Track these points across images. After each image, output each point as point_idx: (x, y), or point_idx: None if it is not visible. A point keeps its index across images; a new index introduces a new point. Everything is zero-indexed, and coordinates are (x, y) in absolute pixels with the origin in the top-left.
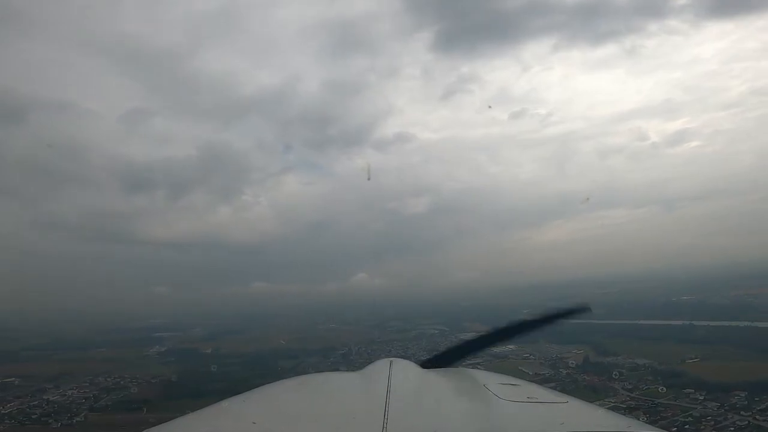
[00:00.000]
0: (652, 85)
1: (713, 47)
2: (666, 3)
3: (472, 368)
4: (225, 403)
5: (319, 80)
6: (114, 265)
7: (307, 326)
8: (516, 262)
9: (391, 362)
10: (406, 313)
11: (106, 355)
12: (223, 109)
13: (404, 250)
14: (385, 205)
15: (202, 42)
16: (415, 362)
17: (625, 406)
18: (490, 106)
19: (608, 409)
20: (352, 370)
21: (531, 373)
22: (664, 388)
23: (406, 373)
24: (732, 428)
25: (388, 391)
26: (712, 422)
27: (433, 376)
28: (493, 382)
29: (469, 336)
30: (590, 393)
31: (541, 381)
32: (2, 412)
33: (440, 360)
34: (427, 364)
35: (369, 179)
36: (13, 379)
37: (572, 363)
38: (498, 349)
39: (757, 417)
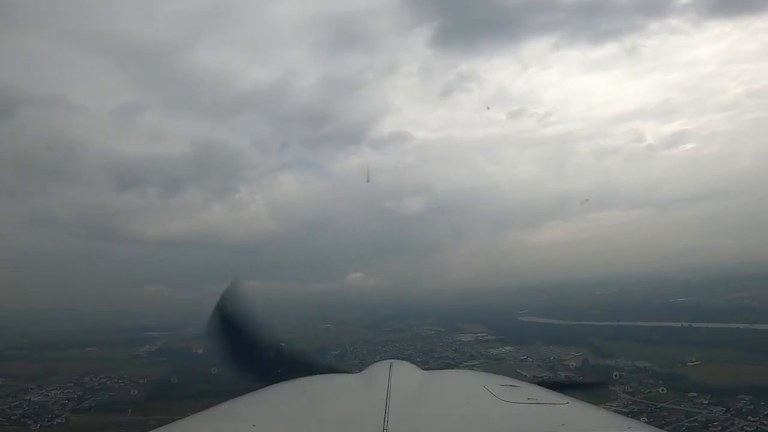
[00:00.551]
0: (650, 86)
1: (711, 49)
2: (669, 2)
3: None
4: (225, 406)
5: (316, 77)
6: (106, 263)
7: (301, 326)
8: (513, 263)
9: (391, 364)
10: (402, 314)
11: (94, 355)
12: (217, 105)
13: (400, 250)
14: (382, 204)
15: (197, 37)
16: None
17: (627, 410)
18: (488, 107)
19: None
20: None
21: (529, 376)
22: (664, 389)
23: (406, 374)
24: None
25: (388, 393)
26: (720, 427)
27: (434, 377)
28: (493, 383)
29: (465, 337)
30: (591, 397)
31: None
32: None
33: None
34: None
35: (368, 181)
36: None
37: (573, 364)
38: (495, 351)
39: (765, 423)
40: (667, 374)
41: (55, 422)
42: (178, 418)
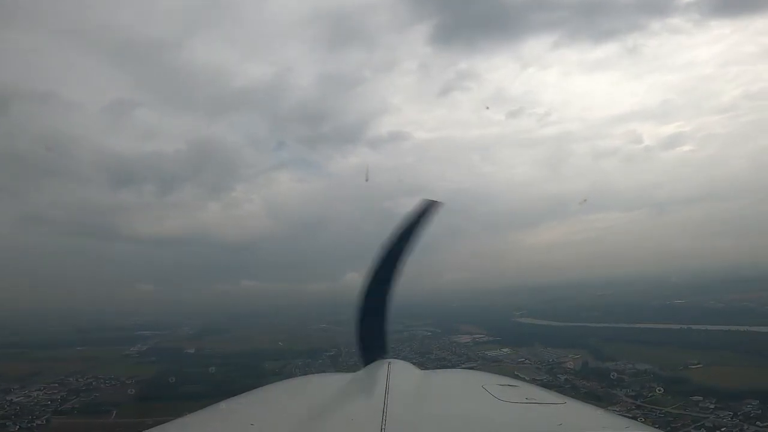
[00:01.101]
0: (648, 87)
1: (710, 50)
2: (672, 1)
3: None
4: (223, 405)
5: (313, 74)
6: (99, 261)
7: (296, 326)
8: (509, 264)
9: (389, 363)
10: (398, 314)
11: (83, 354)
12: (213, 102)
13: None
14: (379, 204)
15: (192, 32)
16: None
17: (630, 415)
18: (487, 107)
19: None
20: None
21: (528, 379)
22: (661, 388)
23: (404, 374)
24: None
25: (386, 393)
26: None
27: (432, 377)
28: (491, 383)
29: (463, 338)
30: (592, 400)
31: None
32: None
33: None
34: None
35: (367, 180)
36: None
37: (570, 365)
38: (492, 353)
39: None
40: (669, 377)
41: (35, 424)
42: (165, 421)
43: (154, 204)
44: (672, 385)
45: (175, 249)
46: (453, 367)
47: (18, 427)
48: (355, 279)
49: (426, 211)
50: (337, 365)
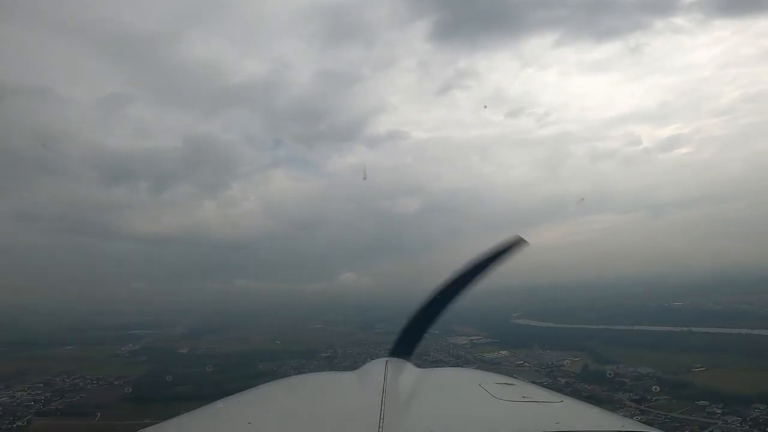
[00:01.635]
0: (648, 88)
1: (710, 52)
2: (676, 0)
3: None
4: (220, 404)
5: (311, 71)
6: (92, 259)
7: (292, 326)
8: (506, 264)
9: (386, 362)
10: (394, 315)
11: (73, 354)
12: (209, 99)
13: (394, 250)
14: (376, 203)
15: (188, 27)
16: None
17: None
18: (485, 106)
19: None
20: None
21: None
22: (658, 387)
23: (401, 372)
24: None
25: (383, 391)
26: None
27: (429, 375)
28: (488, 381)
29: (460, 340)
30: (594, 404)
31: None
32: None
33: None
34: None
35: (365, 179)
36: None
37: (570, 368)
38: (491, 356)
39: None
40: (672, 381)
41: (15, 425)
42: (151, 424)
43: (150, 202)
44: (676, 389)
45: (171, 247)
46: None
47: None
48: (351, 279)
49: (512, 245)
50: (333, 366)
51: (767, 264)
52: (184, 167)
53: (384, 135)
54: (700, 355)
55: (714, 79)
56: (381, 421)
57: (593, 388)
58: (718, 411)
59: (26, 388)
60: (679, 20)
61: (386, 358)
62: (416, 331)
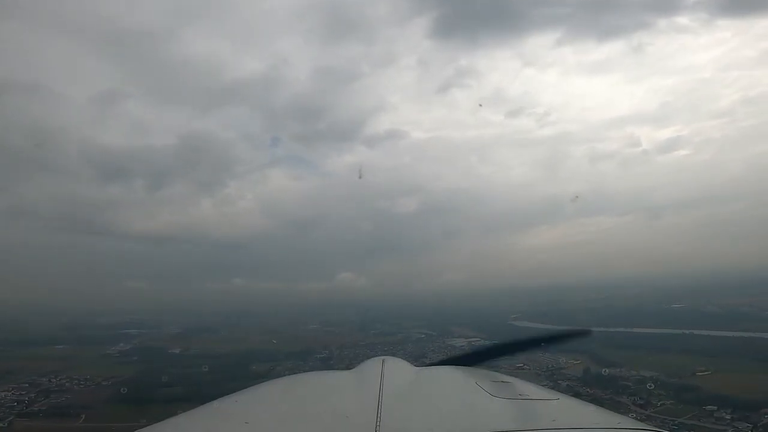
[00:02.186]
0: (649, 89)
1: (710, 54)
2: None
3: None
4: (216, 403)
5: (309, 68)
6: (86, 257)
7: (287, 326)
8: (504, 265)
9: (383, 360)
10: (392, 315)
11: (62, 353)
12: (206, 96)
13: (392, 250)
14: (374, 203)
15: (183, 22)
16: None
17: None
18: (480, 105)
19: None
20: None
21: None
22: (652, 384)
23: (398, 371)
24: None
25: (380, 390)
26: None
27: (426, 374)
28: (485, 379)
29: (458, 341)
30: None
31: None
32: None
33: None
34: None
35: (360, 177)
36: None
37: (568, 369)
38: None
39: None
40: (677, 385)
41: None
42: (138, 426)
43: (145, 199)
44: (681, 393)
45: (166, 246)
46: None
47: None
48: (349, 279)
49: (576, 334)
50: (328, 368)
51: (766, 266)
52: (181, 165)
53: (383, 134)
54: (703, 358)
55: (714, 80)
56: (378, 419)
57: (595, 391)
58: (727, 416)
59: (10, 389)
60: (683, 19)
61: (383, 357)
62: (489, 355)
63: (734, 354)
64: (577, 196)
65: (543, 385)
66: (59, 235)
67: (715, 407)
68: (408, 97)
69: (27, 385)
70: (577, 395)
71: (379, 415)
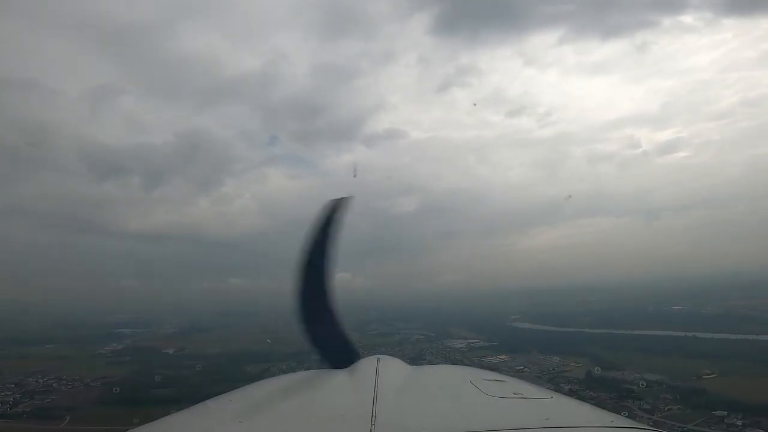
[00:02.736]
0: (649, 90)
1: (711, 55)
2: None
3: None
4: (210, 402)
5: (308, 64)
6: (82, 256)
7: (283, 326)
8: (502, 266)
9: (378, 360)
10: (389, 316)
11: (53, 353)
12: (203, 93)
13: (390, 251)
14: (373, 203)
15: (180, 18)
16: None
17: None
18: (474, 104)
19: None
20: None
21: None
22: (644, 382)
23: (393, 370)
24: None
25: (375, 389)
26: None
27: (420, 373)
28: (479, 378)
29: (456, 343)
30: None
31: None
32: None
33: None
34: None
35: (355, 176)
36: None
37: (570, 372)
38: (489, 360)
39: None
40: (683, 389)
41: None
42: (126, 429)
43: (141, 197)
44: (688, 398)
45: (163, 244)
46: None
47: None
48: (346, 279)
49: (335, 210)
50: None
51: (765, 268)
52: (177, 163)
53: (382, 133)
54: (707, 361)
55: (714, 82)
56: (373, 418)
57: (599, 395)
58: (738, 422)
59: None
60: (687, 18)
61: (378, 356)
62: (330, 333)
63: (739, 357)
64: (570, 196)
65: (547, 388)
66: (54, 233)
67: (725, 412)
68: (408, 95)
69: (13, 385)
70: (580, 399)
71: (374, 413)
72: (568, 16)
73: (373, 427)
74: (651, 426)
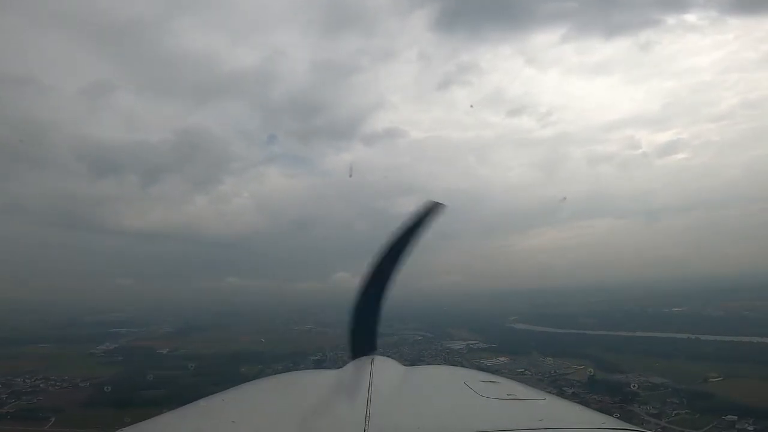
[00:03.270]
0: (649, 92)
1: (711, 56)
2: None
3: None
4: (203, 402)
5: (307, 61)
6: (78, 254)
7: (281, 326)
8: (501, 267)
9: (372, 360)
10: (387, 317)
11: (44, 352)
12: (201, 90)
13: None
14: (372, 202)
15: (178, 13)
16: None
17: None
18: (471, 106)
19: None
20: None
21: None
22: (636, 385)
23: (387, 370)
24: None
25: (369, 389)
26: None
27: (415, 373)
28: (473, 379)
29: (456, 344)
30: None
31: None
32: None
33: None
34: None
35: (351, 176)
36: None
37: (572, 375)
38: (489, 362)
39: None
40: (690, 392)
41: None
42: (118, 428)
43: (138, 196)
44: (695, 402)
45: (159, 243)
46: None
47: None
48: (345, 279)
49: (428, 212)
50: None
51: (765, 269)
52: (175, 161)
53: (382, 132)
54: (712, 364)
55: (714, 83)
56: (367, 418)
57: (604, 399)
58: (750, 427)
59: None
60: (692, 17)
61: (372, 356)
62: (366, 326)
63: (744, 359)
64: (565, 198)
65: (550, 392)
66: (49, 231)
67: (736, 417)
68: (407, 94)
69: (0, 386)
70: (584, 403)
71: (367, 414)
72: (572, 13)
73: (367, 428)
74: (640, 428)
